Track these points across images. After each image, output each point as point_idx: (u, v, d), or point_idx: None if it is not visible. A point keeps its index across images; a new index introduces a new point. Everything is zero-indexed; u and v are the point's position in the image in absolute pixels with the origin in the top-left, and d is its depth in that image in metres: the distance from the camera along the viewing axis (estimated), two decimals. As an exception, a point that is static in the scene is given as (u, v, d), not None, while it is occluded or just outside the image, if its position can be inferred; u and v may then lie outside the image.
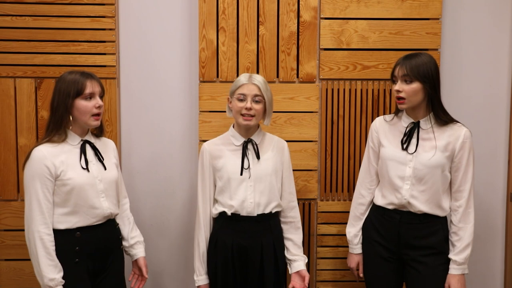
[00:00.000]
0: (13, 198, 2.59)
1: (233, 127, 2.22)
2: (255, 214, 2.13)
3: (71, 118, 1.97)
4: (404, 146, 2.11)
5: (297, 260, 2.21)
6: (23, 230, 2.53)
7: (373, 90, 2.61)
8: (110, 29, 2.56)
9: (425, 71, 2.02)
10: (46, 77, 2.55)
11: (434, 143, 2.07)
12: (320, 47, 2.58)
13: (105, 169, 2.05)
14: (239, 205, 2.13)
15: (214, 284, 2.17)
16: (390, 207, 2.15)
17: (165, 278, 2.72)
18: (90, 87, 1.97)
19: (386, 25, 2.58)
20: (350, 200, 2.64)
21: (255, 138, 2.19)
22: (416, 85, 2.03)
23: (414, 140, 2.10)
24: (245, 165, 2.14)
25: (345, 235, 2.64)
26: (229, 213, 2.14)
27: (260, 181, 2.15)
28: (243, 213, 2.13)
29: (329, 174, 2.65)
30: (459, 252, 2.07)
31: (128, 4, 2.60)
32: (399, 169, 2.11)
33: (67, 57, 2.56)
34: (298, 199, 2.63)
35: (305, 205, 2.65)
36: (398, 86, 2.06)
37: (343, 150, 2.64)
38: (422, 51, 2.53)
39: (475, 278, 2.74)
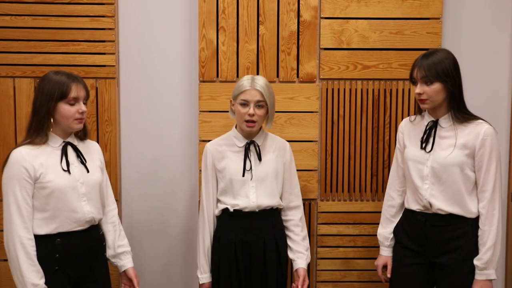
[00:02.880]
0: (12, 198, 2.58)
1: (236, 128, 2.22)
2: (257, 211, 2.16)
3: (52, 121, 1.90)
4: (423, 145, 2.08)
5: (295, 259, 2.22)
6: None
7: (373, 90, 2.60)
8: (110, 29, 2.55)
9: (444, 69, 1.98)
10: (45, 77, 2.55)
11: (453, 141, 2.02)
12: (320, 47, 2.58)
13: (88, 171, 1.98)
14: (242, 205, 2.14)
15: (217, 280, 2.18)
16: (415, 209, 2.10)
17: (165, 278, 2.71)
18: (75, 91, 1.89)
19: (386, 25, 2.57)
20: (351, 200, 2.65)
21: (257, 139, 2.19)
22: (437, 86, 1.98)
23: (432, 139, 2.06)
24: (247, 167, 2.15)
25: (345, 235, 2.65)
26: (231, 209, 2.16)
27: (262, 182, 2.16)
28: (246, 210, 2.15)
29: (329, 174, 2.64)
30: (481, 256, 1.97)
31: (127, 4, 2.59)
32: (418, 168, 2.07)
33: (66, 57, 2.55)
34: (298, 199, 2.64)
35: (305, 205, 2.64)
36: (419, 88, 2.01)
37: (343, 150, 2.63)
38: (423, 50, 2.54)
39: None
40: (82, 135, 2.04)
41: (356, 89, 2.60)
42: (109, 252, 2.09)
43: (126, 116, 2.64)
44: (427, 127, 2.09)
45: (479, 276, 1.99)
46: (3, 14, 2.52)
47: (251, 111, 2.09)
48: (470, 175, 2.03)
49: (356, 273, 2.68)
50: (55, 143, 1.93)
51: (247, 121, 2.10)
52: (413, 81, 2.06)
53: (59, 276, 1.90)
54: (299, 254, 2.21)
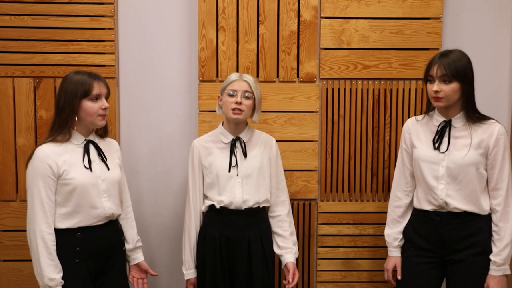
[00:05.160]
0: (11, 199, 2.58)
1: (222, 124, 2.26)
2: (243, 208, 2.19)
3: (76, 119, 1.97)
4: (436, 145, 2.08)
5: (283, 254, 2.25)
6: (21, 230, 2.53)
7: (373, 89, 2.60)
8: (109, 29, 2.55)
9: (462, 69, 2.01)
10: (45, 76, 2.54)
11: (467, 141, 2.04)
12: (321, 47, 2.57)
13: (108, 169, 2.05)
14: (228, 201, 2.18)
15: (203, 276, 2.21)
16: (428, 209, 2.11)
17: (164, 278, 2.71)
18: (97, 88, 1.98)
19: (386, 25, 2.56)
20: (351, 200, 2.64)
21: (243, 135, 2.23)
22: (455, 85, 2.01)
23: (446, 139, 2.07)
24: (233, 163, 2.19)
25: (346, 235, 2.65)
26: (217, 206, 2.19)
27: (248, 178, 2.20)
28: (232, 207, 2.18)
29: (329, 174, 2.63)
30: (499, 253, 2.01)
31: (127, 3, 2.58)
32: (433, 169, 2.08)
33: (66, 57, 2.54)
34: (299, 200, 2.63)
35: (305, 206, 2.64)
36: (437, 86, 2.02)
37: (344, 150, 2.62)
38: (424, 50, 2.54)
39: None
40: (103, 133, 2.13)
41: (356, 89, 2.60)
42: (128, 246, 2.19)
43: (125, 116, 2.63)
44: (439, 128, 2.09)
45: (496, 272, 2.02)
46: (3, 13, 2.51)
47: (239, 99, 2.14)
48: (483, 173, 2.06)
49: (356, 274, 2.67)
50: (78, 140, 2.01)
51: (234, 109, 2.14)
52: (429, 79, 2.07)
53: (80, 269, 1.97)
54: (287, 249, 2.25)
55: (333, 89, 2.59)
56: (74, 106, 1.95)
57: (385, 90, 2.60)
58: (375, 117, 2.61)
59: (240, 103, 2.13)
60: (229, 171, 2.18)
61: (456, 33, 2.63)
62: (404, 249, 2.22)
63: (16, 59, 2.53)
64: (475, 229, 2.05)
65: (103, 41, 2.55)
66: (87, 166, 1.99)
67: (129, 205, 2.25)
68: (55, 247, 1.92)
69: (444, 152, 2.06)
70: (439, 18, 2.56)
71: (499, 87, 2.67)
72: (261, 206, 2.23)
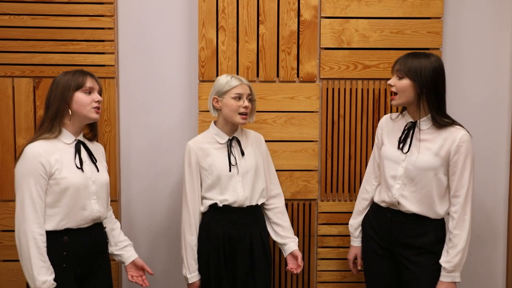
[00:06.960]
0: (11, 199, 2.57)
1: (215, 125, 2.27)
2: (245, 206, 2.22)
3: (70, 112, 1.93)
4: (400, 145, 2.11)
5: (287, 243, 2.30)
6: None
7: (374, 89, 2.59)
8: (109, 28, 2.54)
9: (417, 69, 1.99)
10: (44, 76, 2.54)
11: (429, 145, 2.04)
12: (321, 46, 2.57)
13: (98, 171, 2.02)
14: (232, 199, 2.20)
15: (207, 276, 2.21)
16: (383, 204, 2.16)
17: (165, 278, 2.70)
18: (90, 82, 1.97)
19: (387, 24, 2.56)
20: (351, 200, 2.64)
21: (238, 135, 2.27)
22: (405, 82, 2.02)
23: (409, 140, 2.09)
24: (232, 162, 2.22)
25: (346, 235, 2.64)
26: (220, 204, 2.20)
27: (247, 175, 2.23)
28: (235, 205, 2.21)
29: (329, 174, 2.63)
30: (450, 259, 2.00)
31: (127, 3, 2.58)
32: (393, 168, 2.11)
33: (65, 57, 2.54)
34: (299, 200, 2.63)
35: (306, 206, 2.64)
36: (391, 80, 2.08)
37: (344, 150, 2.62)
38: (424, 50, 2.53)
39: (477, 279, 2.73)
40: (92, 136, 2.09)
41: (356, 89, 2.59)
42: (113, 249, 2.14)
43: (125, 116, 2.63)
44: (406, 128, 2.11)
45: (445, 278, 2.02)
46: (2, 13, 2.51)
47: (246, 103, 2.18)
48: (443, 179, 2.05)
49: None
50: (68, 139, 1.97)
51: (241, 114, 2.18)
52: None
53: (67, 273, 1.92)
54: (290, 238, 2.31)
55: (333, 89, 2.59)
56: (66, 98, 1.92)
57: (385, 90, 2.59)
58: (375, 117, 2.60)
59: (247, 107, 2.18)
60: (230, 170, 2.20)
61: (456, 33, 2.63)
62: (363, 241, 2.28)
63: (16, 59, 2.53)
64: (422, 231, 2.06)
65: (103, 41, 2.55)
66: (79, 166, 1.94)
67: (110, 209, 2.20)
68: (46, 248, 1.86)
69: (406, 153, 2.08)
70: (439, 18, 2.56)
71: (499, 87, 2.67)
72: (259, 202, 2.27)
